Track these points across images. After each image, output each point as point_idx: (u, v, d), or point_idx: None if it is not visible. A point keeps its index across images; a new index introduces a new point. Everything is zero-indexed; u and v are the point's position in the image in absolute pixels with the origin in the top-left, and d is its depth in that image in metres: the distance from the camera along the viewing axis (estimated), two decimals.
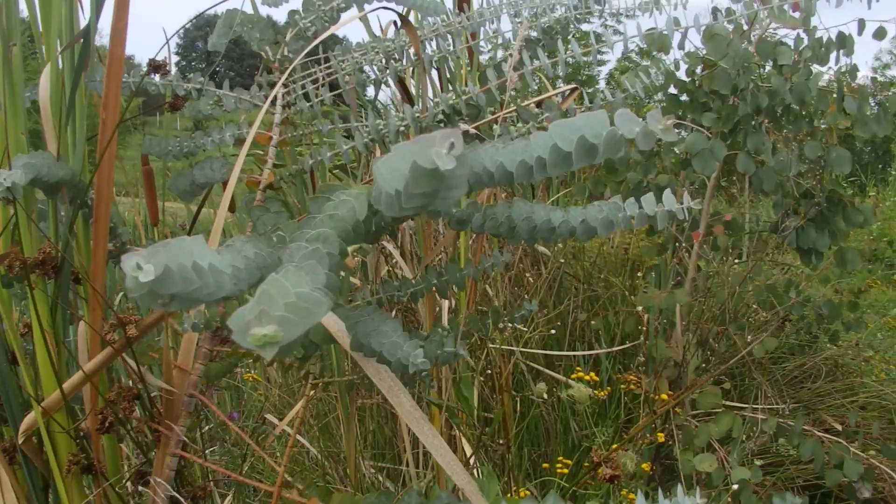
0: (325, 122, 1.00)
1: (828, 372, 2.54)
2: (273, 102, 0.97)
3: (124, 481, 1.00)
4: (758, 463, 1.84)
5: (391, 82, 1.13)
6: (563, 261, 2.57)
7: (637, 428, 1.79)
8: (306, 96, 1.00)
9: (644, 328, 2.16)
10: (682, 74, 1.82)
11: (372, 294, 0.94)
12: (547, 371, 2.06)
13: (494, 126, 1.01)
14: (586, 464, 1.76)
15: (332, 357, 1.45)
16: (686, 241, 2.05)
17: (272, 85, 1.01)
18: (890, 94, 1.81)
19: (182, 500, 0.93)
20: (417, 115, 0.96)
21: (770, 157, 1.77)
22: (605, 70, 11.12)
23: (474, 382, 1.73)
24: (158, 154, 1.04)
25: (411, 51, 1.03)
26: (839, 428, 2.00)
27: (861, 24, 1.64)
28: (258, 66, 1.04)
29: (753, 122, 1.76)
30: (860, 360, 2.67)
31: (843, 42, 1.70)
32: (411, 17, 1.18)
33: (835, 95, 1.73)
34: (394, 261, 1.84)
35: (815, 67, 1.70)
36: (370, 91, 1.69)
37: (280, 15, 1.06)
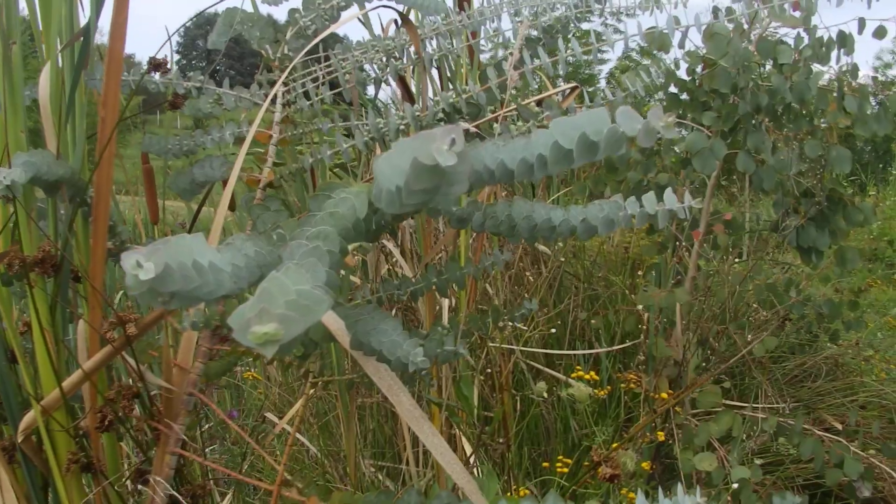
0: (326, 120, 1.00)
1: (828, 371, 2.54)
2: (273, 101, 0.97)
3: (124, 480, 1.00)
4: (758, 462, 1.85)
5: (391, 81, 1.13)
6: (563, 260, 2.57)
7: (637, 427, 1.78)
8: (306, 95, 1.00)
9: (644, 327, 2.16)
10: (682, 73, 1.82)
11: (372, 292, 0.94)
12: (547, 370, 2.06)
13: (495, 125, 1.01)
14: (586, 463, 1.76)
15: (332, 355, 1.45)
16: (686, 240, 2.05)
17: (272, 83, 1.01)
18: (891, 93, 1.81)
19: (181, 498, 0.93)
20: (418, 113, 0.96)
21: (770, 156, 1.76)
22: (605, 69, 11.14)
23: (474, 381, 1.73)
24: (158, 152, 1.04)
25: (412, 49, 1.03)
26: (839, 427, 2.00)
27: (861, 23, 1.64)
28: (258, 65, 1.04)
29: (754, 121, 1.76)
30: (860, 359, 2.67)
31: (844, 41, 1.70)
32: (412, 16, 1.18)
33: (835, 94, 1.73)
34: (394, 259, 1.83)
35: (816, 66, 1.70)
36: (370, 89, 1.69)
37: (280, 13, 1.06)
